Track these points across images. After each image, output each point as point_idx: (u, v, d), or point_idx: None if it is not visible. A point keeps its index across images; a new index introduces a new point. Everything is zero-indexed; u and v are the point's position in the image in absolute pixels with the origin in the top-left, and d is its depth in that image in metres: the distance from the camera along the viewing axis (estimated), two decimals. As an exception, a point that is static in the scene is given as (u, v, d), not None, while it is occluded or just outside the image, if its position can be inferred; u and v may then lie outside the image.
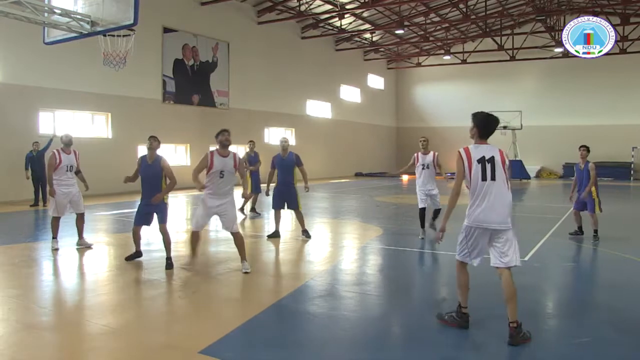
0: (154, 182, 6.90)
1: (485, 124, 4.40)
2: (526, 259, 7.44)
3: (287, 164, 9.09)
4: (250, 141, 12.47)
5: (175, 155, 21.12)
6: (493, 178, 4.26)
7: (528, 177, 29.43)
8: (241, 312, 5.08)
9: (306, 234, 9.17)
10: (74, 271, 6.88)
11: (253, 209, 12.25)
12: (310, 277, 6.47)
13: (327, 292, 5.84)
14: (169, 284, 6.13)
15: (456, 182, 4.36)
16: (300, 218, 9.24)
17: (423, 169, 9.14)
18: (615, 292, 6.02)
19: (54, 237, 7.99)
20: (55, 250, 7.84)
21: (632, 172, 29.13)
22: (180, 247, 8.66)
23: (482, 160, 4.29)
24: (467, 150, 4.34)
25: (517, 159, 29.58)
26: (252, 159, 12.05)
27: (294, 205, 9.10)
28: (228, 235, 6.79)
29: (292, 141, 27.43)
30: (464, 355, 4.16)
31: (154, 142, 6.94)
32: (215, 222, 8.34)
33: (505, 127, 29.74)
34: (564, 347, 4.31)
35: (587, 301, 5.69)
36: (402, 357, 4.13)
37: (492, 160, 4.29)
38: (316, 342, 4.42)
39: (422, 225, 9.22)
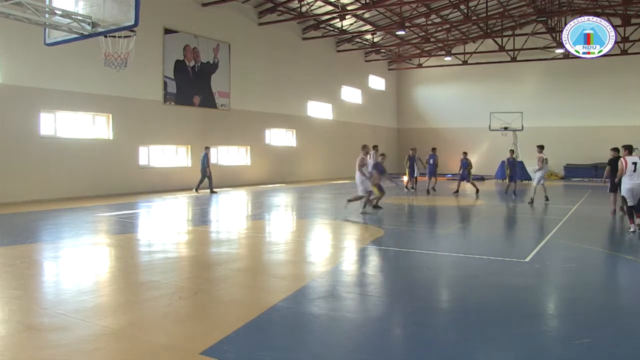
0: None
1: None
2: (527, 259, 7.43)
3: None
4: (412, 148, 20.18)
5: (177, 156, 21.11)
6: None
7: (529, 179, 29.38)
8: (242, 313, 5.07)
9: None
10: (75, 272, 6.88)
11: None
12: (312, 279, 6.47)
13: (328, 294, 5.84)
14: (170, 285, 6.12)
15: None
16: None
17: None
18: (616, 292, 6.01)
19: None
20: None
21: (633, 173, 29.02)
22: (182, 248, 8.68)
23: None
24: None
25: (518, 160, 29.53)
26: (411, 160, 19.93)
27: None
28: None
29: (293, 142, 27.43)
30: (466, 355, 4.15)
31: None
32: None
33: (506, 129, 29.66)
34: (564, 348, 4.30)
35: (587, 302, 5.67)
36: (403, 358, 4.13)
37: None
38: (317, 343, 4.42)
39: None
